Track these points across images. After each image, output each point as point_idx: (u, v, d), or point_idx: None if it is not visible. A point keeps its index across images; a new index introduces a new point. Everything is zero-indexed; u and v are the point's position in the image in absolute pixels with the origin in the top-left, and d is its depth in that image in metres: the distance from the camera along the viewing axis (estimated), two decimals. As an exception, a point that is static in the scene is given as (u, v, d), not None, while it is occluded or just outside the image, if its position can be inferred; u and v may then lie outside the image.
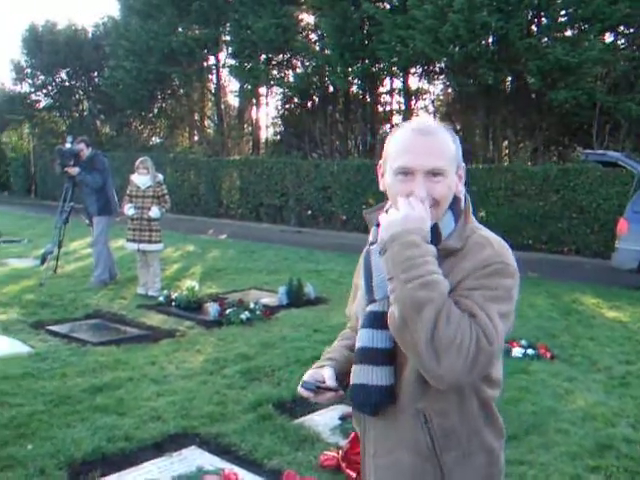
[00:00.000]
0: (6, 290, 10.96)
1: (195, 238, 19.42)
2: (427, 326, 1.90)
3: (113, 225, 12.14)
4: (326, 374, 2.32)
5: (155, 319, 9.49)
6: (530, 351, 7.95)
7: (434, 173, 2.10)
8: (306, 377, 2.35)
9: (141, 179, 10.92)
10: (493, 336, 1.95)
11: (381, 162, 2.29)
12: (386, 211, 2.25)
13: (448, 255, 2.11)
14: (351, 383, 2.23)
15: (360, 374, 2.19)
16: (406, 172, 2.11)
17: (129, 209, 10.86)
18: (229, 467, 4.74)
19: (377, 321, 2.14)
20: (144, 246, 10.90)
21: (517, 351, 7.92)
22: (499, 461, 2.28)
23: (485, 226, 2.20)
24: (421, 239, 2.00)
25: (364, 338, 2.18)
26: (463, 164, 2.26)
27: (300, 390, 2.31)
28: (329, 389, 2.29)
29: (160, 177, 11.18)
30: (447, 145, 2.16)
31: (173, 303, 10.11)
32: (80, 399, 6.20)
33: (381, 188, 2.30)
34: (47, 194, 33.33)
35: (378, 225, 2.23)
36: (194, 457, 5.06)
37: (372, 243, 2.25)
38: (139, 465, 4.92)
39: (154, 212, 10.77)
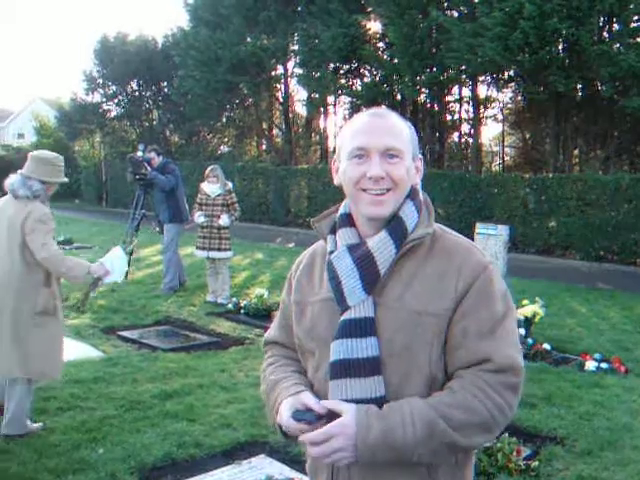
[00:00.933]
0: (78, 295, 11.11)
1: (263, 246, 19.53)
2: (449, 433, 1.89)
3: (183, 233, 12.27)
4: (310, 401, 2.03)
5: (224, 326, 9.56)
6: (604, 365, 7.78)
7: (390, 154, 2.02)
8: (289, 407, 2.04)
9: (211, 187, 11.01)
10: (517, 364, 1.99)
11: (335, 157, 2.18)
12: (340, 215, 2.18)
13: (416, 250, 2.05)
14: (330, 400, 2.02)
15: (341, 390, 2.00)
16: (361, 154, 2.03)
17: (199, 217, 10.96)
18: (299, 477, 4.73)
19: (355, 329, 1.99)
20: (214, 254, 10.98)
21: (590, 364, 7.76)
22: None
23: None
24: (377, 434, 1.88)
25: (340, 350, 2.00)
26: (420, 156, 2.20)
27: (290, 424, 2.03)
28: (322, 417, 1.98)
29: (230, 185, 11.27)
30: (402, 128, 2.10)
31: (242, 311, 10.19)
32: (151, 405, 6.27)
33: (335, 182, 2.19)
34: (118, 202, 33.80)
35: (334, 232, 2.16)
36: (263, 466, 5.07)
37: (331, 252, 2.12)
38: (209, 472, 4.96)
39: (224, 220, 10.84)
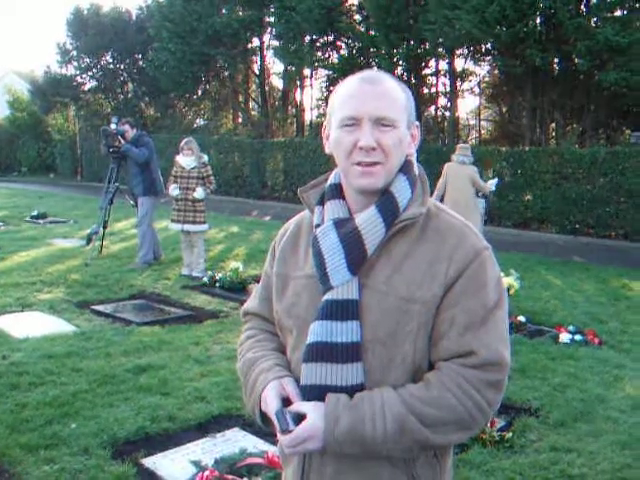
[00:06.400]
0: (52, 270, 11.05)
1: (239, 219, 19.46)
2: (420, 429, 1.81)
3: (158, 206, 12.18)
4: (292, 390, 1.95)
5: (199, 300, 9.51)
6: (578, 337, 7.81)
7: (383, 123, 1.88)
8: (274, 399, 1.93)
9: (186, 160, 10.92)
10: (502, 359, 1.88)
11: (325, 123, 2.05)
12: (329, 185, 2.05)
13: (407, 230, 1.92)
14: (302, 384, 1.93)
15: (315, 374, 1.90)
16: (352, 122, 1.88)
17: (174, 190, 10.87)
18: (273, 449, 4.70)
19: (337, 311, 1.88)
20: (188, 227, 10.91)
21: (565, 337, 7.78)
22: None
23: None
24: (345, 427, 1.80)
25: (319, 331, 1.89)
26: (417, 122, 2.03)
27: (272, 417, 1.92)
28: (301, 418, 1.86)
29: (205, 158, 11.18)
30: (397, 93, 1.94)
31: (217, 284, 10.12)
32: (124, 379, 6.22)
33: (327, 151, 2.04)
34: (93, 176, 33.56)
35: (321, 204, 2.04)
36: (237, 439, 5.05)
37: (317, 225, 2.00)
38: (182, 446, 4.93)
39: (198, 193, 10.76)
